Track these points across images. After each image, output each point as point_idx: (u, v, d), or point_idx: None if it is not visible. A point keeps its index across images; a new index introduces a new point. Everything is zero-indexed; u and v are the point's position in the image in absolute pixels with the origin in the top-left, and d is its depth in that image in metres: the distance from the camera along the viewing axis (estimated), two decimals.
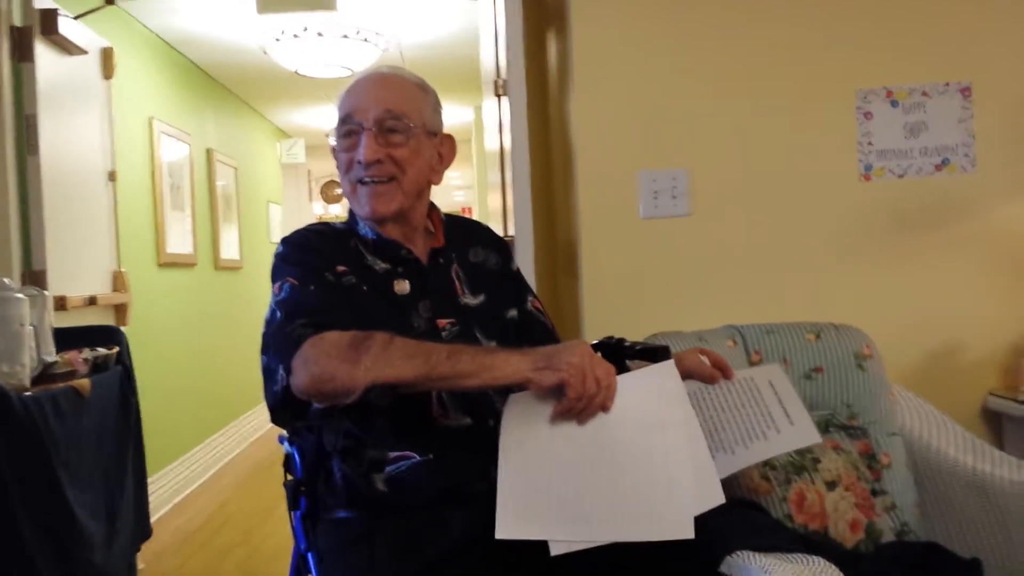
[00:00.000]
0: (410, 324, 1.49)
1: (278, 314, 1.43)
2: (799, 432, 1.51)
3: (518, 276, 1.77)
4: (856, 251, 2.46)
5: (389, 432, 1.43)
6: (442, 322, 1.53)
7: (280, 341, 1.40)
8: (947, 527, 1.85)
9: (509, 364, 1.31)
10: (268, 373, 1.49)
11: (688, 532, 1.25)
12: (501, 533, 1.26)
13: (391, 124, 1.52)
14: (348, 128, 1.53)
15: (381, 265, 1.55)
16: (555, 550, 1.25)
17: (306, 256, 1.51)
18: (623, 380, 1.35)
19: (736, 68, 2.46)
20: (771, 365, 1.79)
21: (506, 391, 1.38)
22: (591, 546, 1.25)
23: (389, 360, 1.30)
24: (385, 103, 1.52)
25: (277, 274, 1.50)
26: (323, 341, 1.33)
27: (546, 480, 1.30)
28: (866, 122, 2.47)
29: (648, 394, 1.36)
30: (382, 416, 1.42)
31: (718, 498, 1.31)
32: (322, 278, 1.47)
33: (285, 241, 1.56)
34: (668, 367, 1.41)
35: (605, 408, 1.32)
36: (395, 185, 1.53)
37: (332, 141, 1.60)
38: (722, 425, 1.51)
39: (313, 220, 9.23)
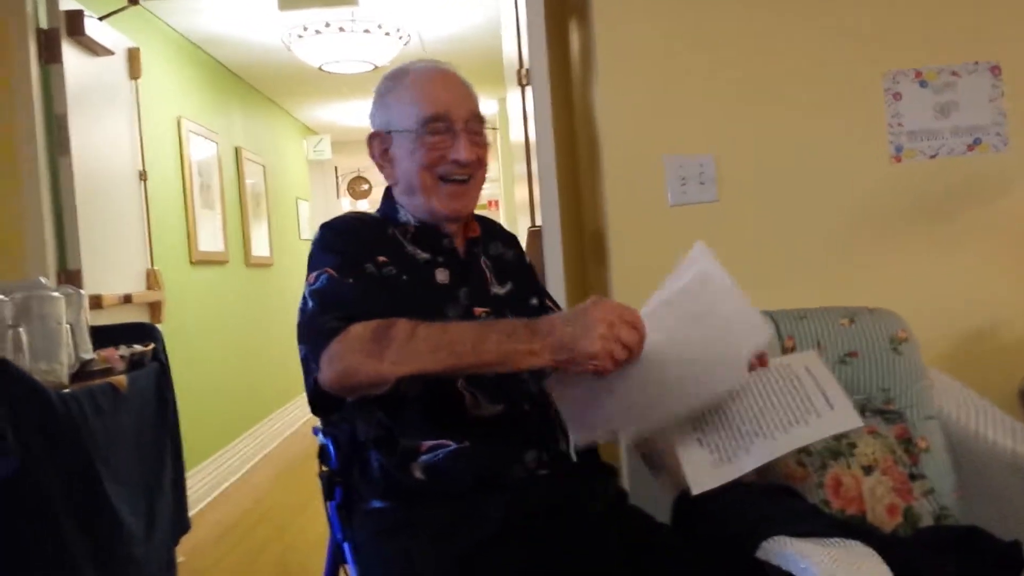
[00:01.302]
0: (445, 315, 1.49)
1: (310, 303, 1.41)
2: (839, 416, 1.49)
3: (532, 269, 1.80)
4: (889, 234, 2.43)
5: (423, 421, 1.43)
6: (478, 311, 1.53)
7: (313, 333, 1.38)
8: (986, 510, 1.82)
9: (530, 357, 1.27)
10: (305, 363, 1.49)
11: (743, 377, 1.41)
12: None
13: (474, 126, 1.57)
14: (441, 125, 1.54)
15: (422, 255, 1.56)
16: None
17: (346, 244, 1.49)
18: (660, 310, 1.33)
19: (761, 51, 2.43)
20: (807, 352, 1.77)
21: (539, 374, 1.40)
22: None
23: (414, 353, 1.28)
24: (471, 105, 1.57)
25: (315, 261, 1.47)
26: (348, 336, 1.31)
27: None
28: (895, 103, 2.44)
29: (689, 300, 1.35)
30: (415, 406, 1.43)
31: (764, 334, 1.42)
32: (361, 269, 1.45)
33: (325, 226, 1.54)
34: (696, 250, 1.42)
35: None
36: (473, 184, 1.58)
37: (403, 128, 1.56)
38: (761, 412, 1.49)
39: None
